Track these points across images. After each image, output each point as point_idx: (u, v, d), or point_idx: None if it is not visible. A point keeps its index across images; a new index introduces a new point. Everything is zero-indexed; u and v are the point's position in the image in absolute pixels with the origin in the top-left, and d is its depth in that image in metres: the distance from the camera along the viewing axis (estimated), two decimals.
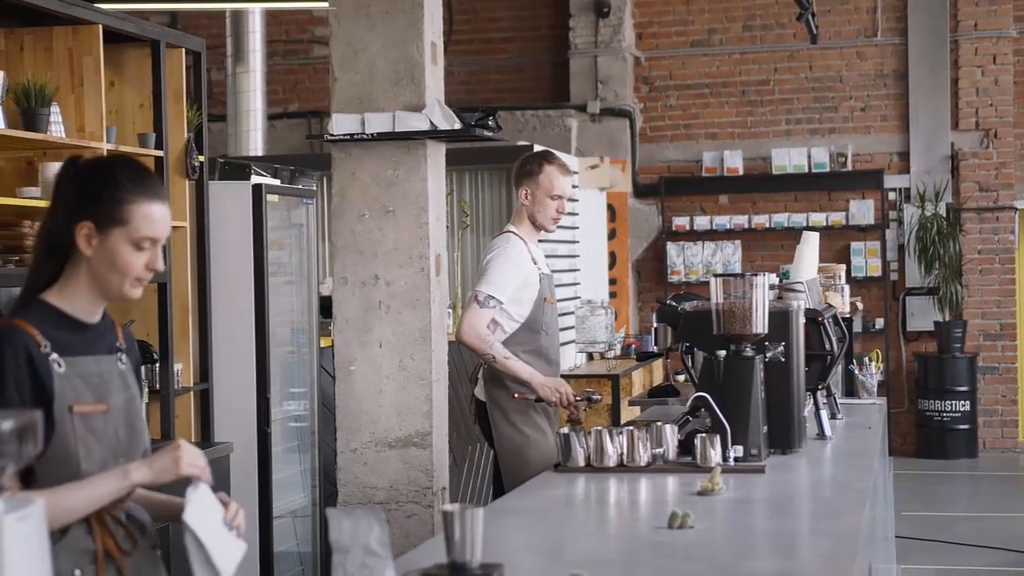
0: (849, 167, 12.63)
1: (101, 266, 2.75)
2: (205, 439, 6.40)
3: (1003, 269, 12.57)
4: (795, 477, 4.34)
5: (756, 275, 4.41)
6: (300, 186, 8.45)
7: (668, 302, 5.00)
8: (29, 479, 2.63)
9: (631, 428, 4.29)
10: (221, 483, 2.92)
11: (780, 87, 12.92)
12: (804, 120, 12.90)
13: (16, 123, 5.37)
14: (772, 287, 5.21)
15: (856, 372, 6.52)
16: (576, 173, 10.29)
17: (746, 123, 12.98)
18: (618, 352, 10.15)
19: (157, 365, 6.08)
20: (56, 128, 5.51)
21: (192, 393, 6.41)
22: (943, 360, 12.24)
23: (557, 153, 5.85)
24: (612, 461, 4.23)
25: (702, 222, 12.84)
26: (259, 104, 11.08)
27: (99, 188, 2.75)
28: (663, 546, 3.28)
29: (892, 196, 12.71)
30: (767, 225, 12.68)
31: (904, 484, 10.38)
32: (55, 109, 5.52)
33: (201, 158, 6.47)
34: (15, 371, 2.65)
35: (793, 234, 11.68)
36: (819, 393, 5.07)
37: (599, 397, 5.47)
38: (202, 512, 2.73)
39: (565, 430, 4.35)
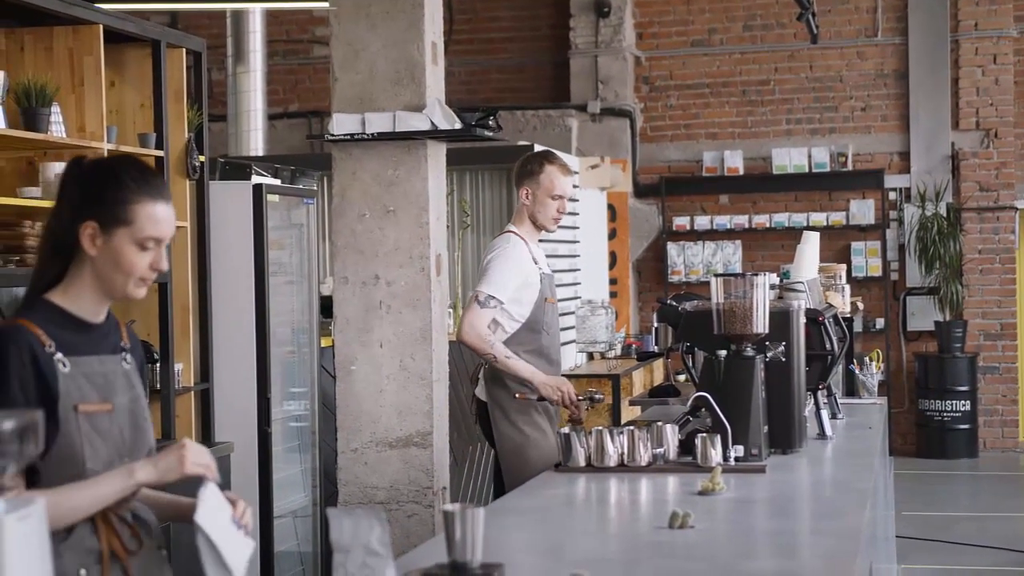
0: (849, 167, 12.63)
1: (105, 266, 2.75)
2: (205, 439, 6.40)
3: (1003, 269, 12.57)
4: (796, 477, 4.34)
5: (757, 275, 4.41)
6: (300, 186, 8.46)
7: (669, 302, 5.00)
8: (34, 478, 2.63)
9: (632, 428, 4.29)
10: (222, 483, 2.92)
11: (780, 87, 12.92)
12: (804, 120, 12.90)
13: (17, 123, 5.37)
14: (773, 287, 5.21)
15: (857, 372, 6.52)
16: (576, 173, 10.29)
17: (746, 123, 12.98)
18: (618, 352, 10.15)
19: (158, 365, 6.08)
20: (57, 128, 5.51)
21: (192, 393, 6.41)
22: (943, 360, 12.24)
23: (558, 153, 5.85)
24: (613, 461, 4.23)
25: (702, 222, 12.84)
26: (259, 104, 11.08)
27: (103, 188, 2.75)
28: (664, 546, 3.28)
29: (892, 196, 12.71)
30: (767, 225, 12.68)
31: (905, 484, 10.38)
32: (56, 109, 5.52)
33: (202, 158, 6.47)
34: (20, 371, 2.66)
35: (793, 234, 11.69)
36: (820, 393, 5.06)
37: (602, 396, 5.47)
38: (212, 512, 2.73)
39: (566, 430, 4.35)
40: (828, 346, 5.03)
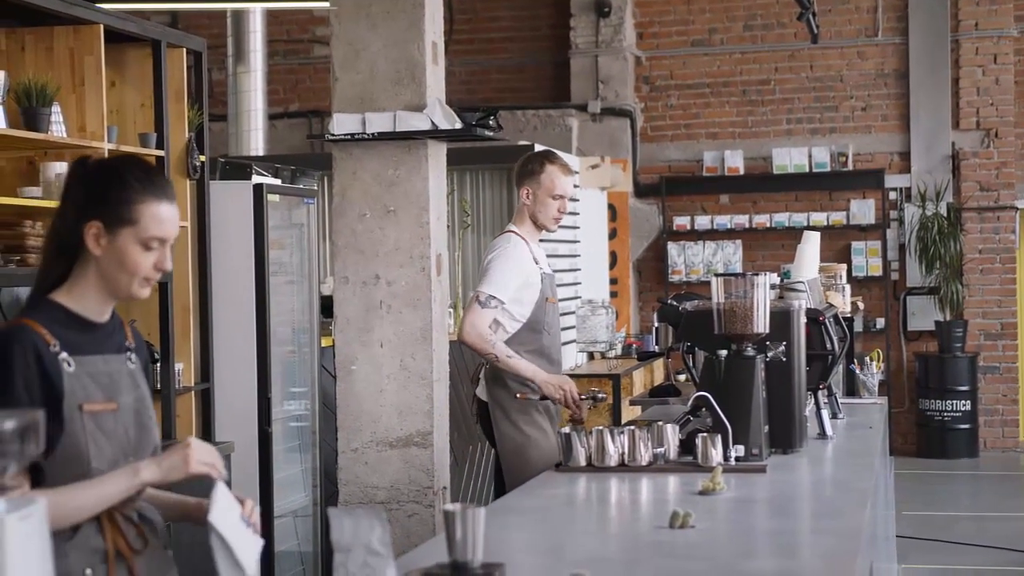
0: (850, 167, 12.63)
1: (110, 266, 2.76)
2: (206, 439, 6.40)
3: (1004, 268, 12.57)
4: (796, 477, 4.34)
5: (757, 275, 4.41)
6: (301, 186, 8.46)
7: (669, 302, 5.00)
8: (39, 478, 2.64)
9: (632, 428, 4.28)
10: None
11: (781, 87, 12.92)
12: (805, 120, 12.90)
13: (17, 123, 5.37)
14: (773, 287, 5.21)
15: (857, 372, 6.52)
16: (577, 173, 10.29)
17: (747, 123, 12.98)
18: (619, 352, 10.15)
19: (158, 365, 6.08)
20: (57, 128, 5.51)
21: (193, 393, 6.41)
22: (944, 360, 12.24)
23: (559, 153, 5.85)
24: (613, 461, 4.23)
25: (703, 222, 12.84)
26: (260, 104, 11.08)
27: (108, 188, 2.76)
28: (664, 545, 3.28)
29: (893, 196, 12.71)
30: (768, 225, 12.68)
31: (905, 484, 10.38)
32: (56, 109, 5.52)
33: (202, 158, 6.47)
34: (24, 370, 2.66)
35: (794, 234, 11.69)
36: (820, 393, 5.06)
37: (604, 396, 5.46)
38: (224, 511, 2.74)
39: (566, 430, 4.35)
40: (829, 346, 5.03)
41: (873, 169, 12.67)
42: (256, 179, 7.21)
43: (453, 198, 9.63)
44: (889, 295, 12.61)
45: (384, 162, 5.07)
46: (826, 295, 6.22)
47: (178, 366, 6.27)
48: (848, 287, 6.92)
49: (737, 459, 4.24)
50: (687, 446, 4.29)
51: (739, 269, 12.32)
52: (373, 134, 5.01)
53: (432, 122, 4.96)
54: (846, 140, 12.74)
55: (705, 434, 4.22)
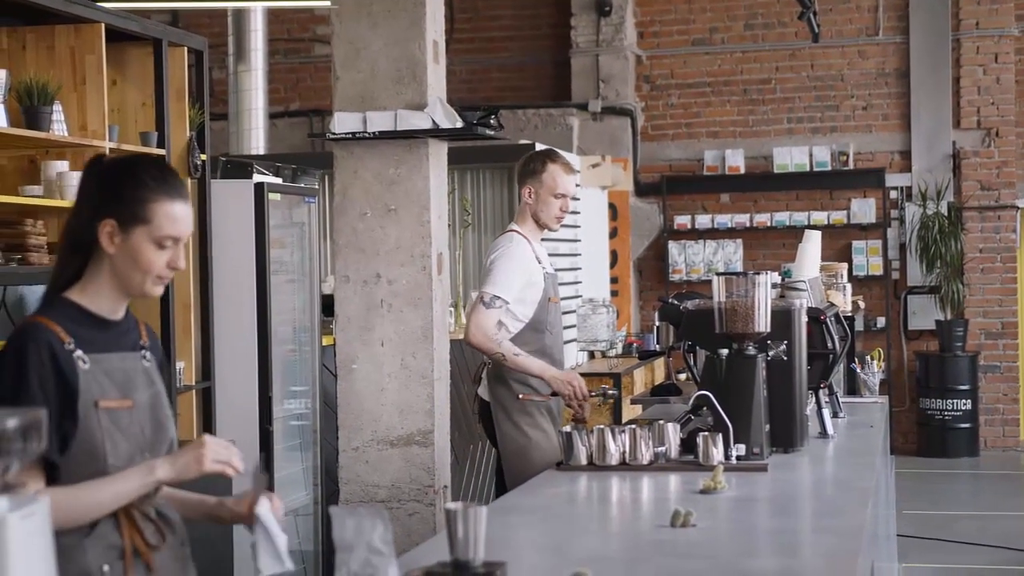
0: (851, 166, 12.63)
1: (124, 264, 2.77)
2: None
3: (1004, 268, 12.57)
4: (797, 475, 4.34)
5: (758, 274, 4.41)
6: (302, 184, 8.46)
7: (670, 300, 5.00)
8: (55, 475, 2.65)
9: (633, 427, 4.29)
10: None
11: (782, 86, 12.92)
12: (806, 119, 12.90)
13: (18, 121, 5.37)
14: (774, 286, 5.21)
15: (858, 371, 6.52)
16: (579, 172, 10.29)
17: (747, 122, 12.97)
18: (620, 351, 10.15)
19: None
20: (58, 127, 5.51)
21: (194, 391, 6.42)
22: (944, 359, 12.24)
23: (560, 152, 5.85)
24: (614, 459, 4.23)
25: (704, 221, 12.84)
26: (261, 103, 11.09)
27: (122, 187, 2.77)
28: (665, 544, 3.28)
29: (894, 195, 12.71)
30: (769, 224, 12.68)
31: (905, 483, 10.38)
32: (57, 107, 5.52)
33: (203, 157, 6.47)
34: (39, 368, 2.67)
35: (795, 233, 11.70)
36: (821, 392, 5.07)
37: (615, 392, 5.46)
38: (265, 505, 2.82)
39: (568, 428, 4.35)
40: (829, 345, 5.04)
41: (874, 168, 12.67)
42: (257, 178, 7.21)
43: (454, 197, 9.63)
44: (890, 294, 12.61)
45: (385, 161, 5.07)
46: (827, 294, 6.22)
47: (179, 364, 6.27)
48: (849, 286, 6.92)
49: (738, 458, 4.24)
50: (688, 445, 4.30)
51: (740, 268, 12.33)
52: (374, 133, 5.01)
53: (433, 121, 4.96)
54: (847, 139, 12.74)
55: (706, 433, 4.22)
